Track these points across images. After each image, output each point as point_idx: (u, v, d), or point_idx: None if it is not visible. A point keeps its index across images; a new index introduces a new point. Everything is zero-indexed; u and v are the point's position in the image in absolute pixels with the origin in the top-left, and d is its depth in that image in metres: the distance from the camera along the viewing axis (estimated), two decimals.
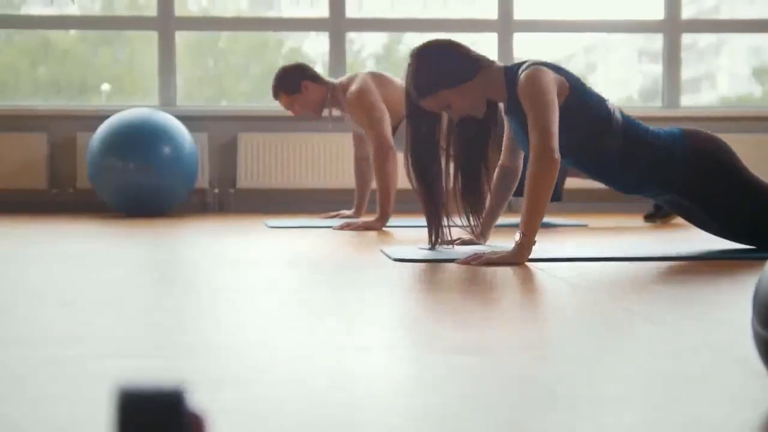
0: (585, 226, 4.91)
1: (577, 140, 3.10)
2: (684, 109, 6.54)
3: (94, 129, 5.69)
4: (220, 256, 3.41)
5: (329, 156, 6.24)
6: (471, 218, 3.34)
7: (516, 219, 5.20)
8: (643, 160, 3.13)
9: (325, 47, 6.53)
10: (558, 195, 4.87)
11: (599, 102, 3.14)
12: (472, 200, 3.32)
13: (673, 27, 6.51)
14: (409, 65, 3.18)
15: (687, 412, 1.23)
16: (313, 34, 6.53)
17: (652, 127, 3.20)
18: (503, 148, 3.39)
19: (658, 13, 6.54)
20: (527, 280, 2.61)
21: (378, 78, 4.83)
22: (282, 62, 5.05)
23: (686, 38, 6.70)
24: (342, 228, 4.52)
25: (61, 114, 6.24)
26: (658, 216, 5.01)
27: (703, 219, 3.25)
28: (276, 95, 4.97)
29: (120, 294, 2.35)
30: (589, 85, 3.17)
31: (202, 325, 1.93)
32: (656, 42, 6.69)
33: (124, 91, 6.90)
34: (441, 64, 3.14)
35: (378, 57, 7.71)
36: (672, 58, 6.53)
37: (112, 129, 5.53)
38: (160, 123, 5.57)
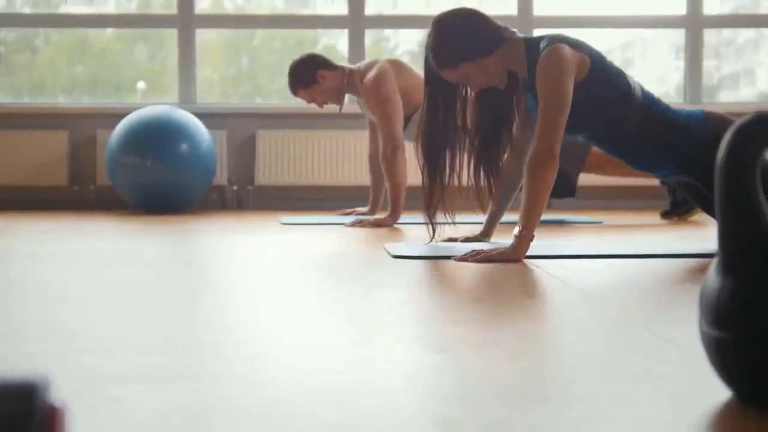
0: (600, 222, 4.88)
1: (596, 114, 3.05)
2: (706, 105, 6.47)
3: (114, 126, 5.73)
4: (226, 252, 3.42)
5: (347, 153, 6.24)
6: (481, 197, 3.28)
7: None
8: (660, 138, 3.06)
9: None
10: (572, 191, 4.84)
11: (619, 77, 3.08)
12: (487, 173, 3.25)
13: (694, 22, 6.45)
14: (430, 34, 3.15)
15: (639, 411, 1.22)
16: (348, 30, 6.53)
17: (674, 107, 3.15)
18: (517, 124, 3.32)
19: (680, 8, 6.48)
20: (517, 277, 2.60)
21: (397, 66, 4.80)
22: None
23: (726, 34, 6.63)
24: (353, 225, 4.53)
25: (82, 112, 6.29)
26: (675, 213, 4.97)
27: None
28: (294, 91, 4.94)
29: (115, 291, 2.37)
30: (609, 60, 3.12)
31: (189, 322, 1.95)
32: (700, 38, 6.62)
33: (160, 88, 6.94)
34: (462, 35, 3.09)
35: (413, 54, 7.70)
36: (694, 54, 6.47)
37: (130, 126, 5.57)
38: (177, 120, 5.60)
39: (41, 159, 6.13)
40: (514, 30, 3.17)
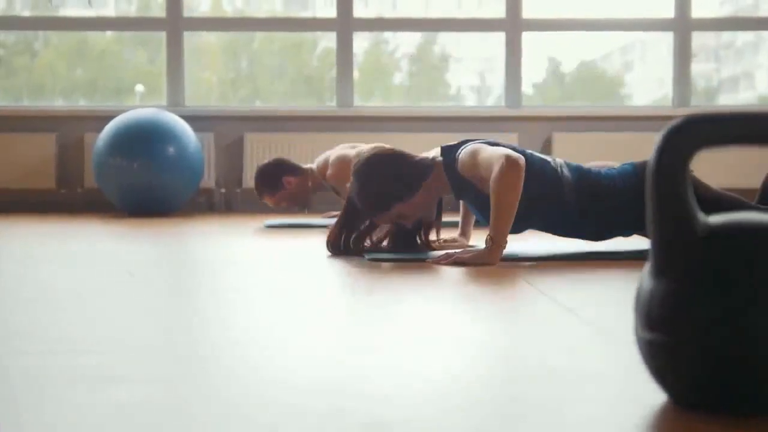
0: None
1: (532, 207, 3.03)
2: (694, 108, 6.48)
3: (101, 129, 5.74)
4: (202, 255, 3.43)
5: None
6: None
7: None
8: (601, 207, 3.06)
9: (361, 46, 6.54)
10: None
11: (543, 164, 3.08)
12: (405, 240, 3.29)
13: (683, 25, 6.46)
14: (354, 183, 3.14)
15: (575, 411, 1.22)
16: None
17: (604, 169, 3.13)
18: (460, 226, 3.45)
19: (668, 11, 6.48)
20: (484, 278, 2.61)
21: (349, 147, 4.85)
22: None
23: (725, 37, 6.63)
24: None
25: (70, 114, 6.29)
26: None
27: None
28: (260, 195, 5.01)
29: (81, 293, 2.37)
30: (529, 151, 3.11)
31: (140, 323, 1.95)
32: (694, 40, 6.62)
33: (158, 91, 6.94)
34: (386, 181, 3.09)
35: (412, 57, 7.72)
36: (682, 58, 6.48)
37: (117, 129, 5.58)
38: (164, 123, 5.61)
39: (29, 162, 6.14)
40: (433, 156, 3.17)
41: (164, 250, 3.59)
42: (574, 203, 3.05)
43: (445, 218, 3.46)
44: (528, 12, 6.43)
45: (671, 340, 1.18)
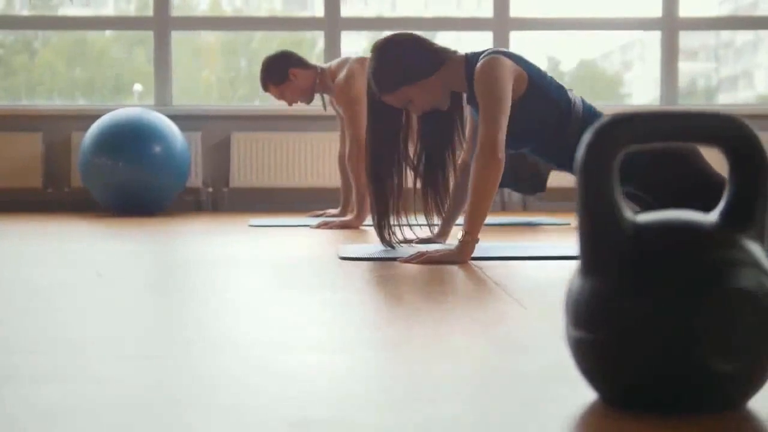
0: (567, 224, 4.88)
1: (537, 128, 3.07)
2: (681, 107, 6.48)
3: (88, 128, 5.74)
4: (179, 254, 3.42)
5: (322, 155, 6.25)
6: (431, 215, 3.32)
7: (508, 218, 5.21)
8: None
9: (360, 45, 6.54)
10: (542, 185, 4.83)
11: (559, 91, 3.10)
12: (434, 195, 3.30)
13: (670, 25, 6.46)
14: (370, 60, 3.18)
15: (505, 412, 1.22)
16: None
17: None
18: (466, 140, 3.36)
19: (656, 10, 6.48)
20: (452, 279, 2.60)
21: (366, 64, 4.81)
22: (314, 61, 5.02)
23: (724, 36, 6.62)
24: (320, 226, 4.54)
25: (56, 113, 6.29)
26: None
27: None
28: (265, 87, 4.95)
29: (44, 293, 2.37)
30: (549, 75, 3.14)
31: (91, 323, 1.95)
32: (694, 40, 6.61)
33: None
34: (402, 59, 3.12)
35: None
36: (669, 57, 6.47)
37: (102, 128, 5.58)
38: (150, 122, 5.60)
39: (15, 161, 6.13)
40: (455, 50, 3.18)
41: (142, 249, 3.59)
42: (577, 136, 3.04)
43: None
44: (516, 11, 6.42)
45: (598, 338, 1.18)
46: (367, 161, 3.24)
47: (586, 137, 1.18)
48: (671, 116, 1.19)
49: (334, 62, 4.95)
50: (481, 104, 2.96)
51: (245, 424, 1.16)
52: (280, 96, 4.93)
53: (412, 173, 3.26)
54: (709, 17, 6.88)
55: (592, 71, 8.15)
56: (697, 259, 1.15)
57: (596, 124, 1.19)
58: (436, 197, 3.31)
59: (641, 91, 8.41)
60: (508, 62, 3.01)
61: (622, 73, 8.63)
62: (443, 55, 3.14)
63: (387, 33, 3.26)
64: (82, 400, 1.27)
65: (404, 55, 3.13)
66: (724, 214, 1.21)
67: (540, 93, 3.05)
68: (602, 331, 1.18)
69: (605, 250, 1.18)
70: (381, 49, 3.16)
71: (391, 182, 3.22)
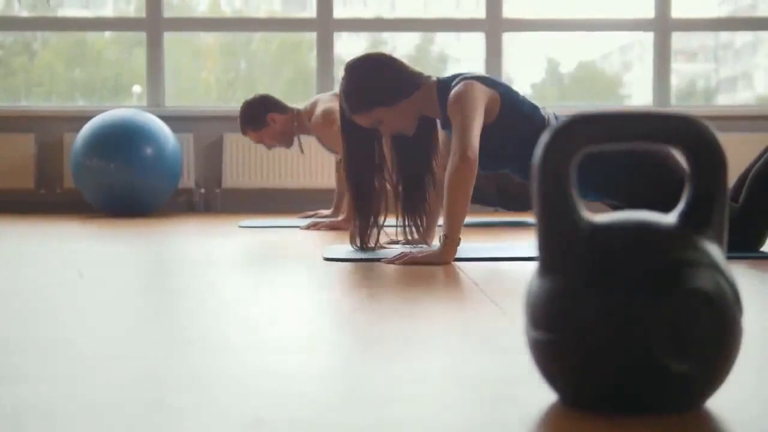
0: None
1: (514, 145, 3.09)
2: (674, 108, 6.48)
3: (81, 130, 5.74)
4: (164, 255, 3.43)
5: (315, 156, 6.25)
6: (410, 229, 3.33)
7: (502, 219, 5.21)
8: (581, 164, 3.08)
9: (359, 46, 6.54)
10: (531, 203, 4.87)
11: (533, 110, 3.12)
12: (412, 212, 3.30)
13: (663, 26, 6.46)
14: (343, 79, 3.16)
15: (460, 413, 1.23)
16: (345, 34, 6.54)
17: None
18: (441, 164, 3.38)
19: (648, 11, 6.49)
20: (432, 279, 2.61)
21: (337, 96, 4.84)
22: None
23: (723, 37, 6.61)
24: (309, 227, 4.55)
25: (49, 114, 6.30)
26: None
27: None
28: (244, 132, 4.97)
29: (24, 293, 2.38)
30: (522, 95, 3.15)
31: (62, 324, 1.95)
32: (693, 41, 6.61)
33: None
34: (375, 81, 3.11)
35: (411, 57, 7.72)
36: (662, 58, 6.48)
37: (94, 130, 5.58)
38: (141, 123, 5.61)
39: (7, 162, 6.14)
40: (429, 75, 3.18)
41: (129, 250, 3.59)
42: None
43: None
44: (509, 12, 6.43)
45: (556, 338, 1.18)
46: (348, 182, 3.22)
47: (544, 138, 1.19)
48: (630, 117, 1.19)
49: (308, 102, 4.96)
50: (454, 123, 2.97)
51: (203, 424, 1.16)
52: (259, 140, 4.96)
53: (393, 193, 3.26)
54: (702, 18, 6.89)
55: (591, 72, 8.15)
56: (653, 260, 1.16)
57: (555, 126, 1.19)
58: (414, 219, 3.31)
59: (641, 91, 8.41)
60: (480, 86, 3.02)
61: (621, 74, 8.63)
62: (418, 80, 3.14)
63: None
64: (45, 401, 1.27)
65: (378, 76, 3.12)
66: (683, 215, 1.21)
67: (514, 112, 3.07)
68: (559, 331, 1.18)
69: (562, 250, 1.18)
70: (355, 68, 3.15)
71: (370, 193, 3.20)
